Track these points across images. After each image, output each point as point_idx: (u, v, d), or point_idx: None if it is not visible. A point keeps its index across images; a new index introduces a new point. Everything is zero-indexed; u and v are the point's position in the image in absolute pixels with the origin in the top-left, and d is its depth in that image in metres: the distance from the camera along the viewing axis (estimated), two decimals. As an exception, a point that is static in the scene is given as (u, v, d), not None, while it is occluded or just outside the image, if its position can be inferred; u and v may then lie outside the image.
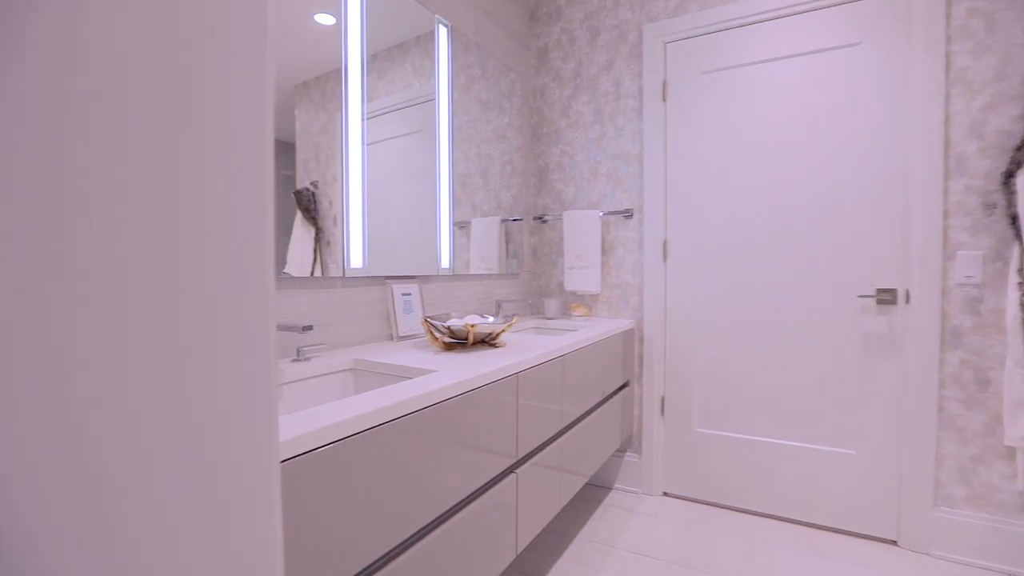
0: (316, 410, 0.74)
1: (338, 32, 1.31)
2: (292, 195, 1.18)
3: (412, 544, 0.86)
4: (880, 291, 1.67)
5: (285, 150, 1.15)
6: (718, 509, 1.96)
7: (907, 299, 1.65)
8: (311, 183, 1.23)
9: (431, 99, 1.67)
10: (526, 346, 1.39)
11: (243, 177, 0.32)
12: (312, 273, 1.23)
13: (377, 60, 1.43)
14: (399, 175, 1.54)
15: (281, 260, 1.15)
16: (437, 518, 0.92)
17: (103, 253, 0.27)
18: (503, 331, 1.40)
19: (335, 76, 1.30)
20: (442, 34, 1.71)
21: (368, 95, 1.40)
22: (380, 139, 1.45)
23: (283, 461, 0.62)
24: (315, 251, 1.24)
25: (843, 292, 1.75)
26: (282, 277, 1.16)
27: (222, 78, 0.31)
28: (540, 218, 2.31)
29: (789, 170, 1.83)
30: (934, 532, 1.62)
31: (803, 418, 1.83)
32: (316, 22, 1.25)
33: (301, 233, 1.21)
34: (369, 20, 1.40)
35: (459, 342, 1.37)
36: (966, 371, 1.58)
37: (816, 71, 1.77)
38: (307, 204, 1.22)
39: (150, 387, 0.28)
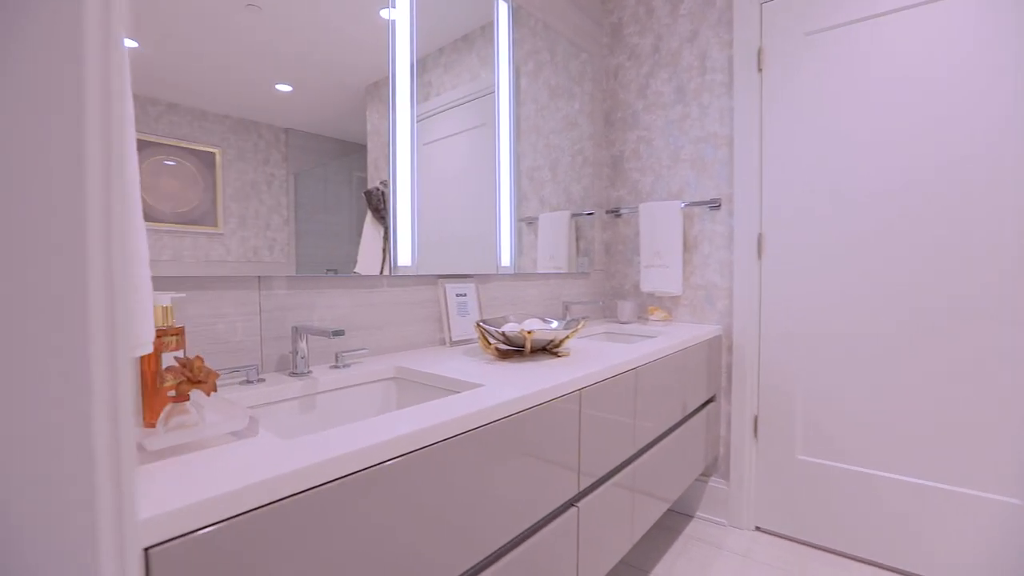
0: (319, 436, 0.62)
1: (400, 26, 1.23)
2: (363, 195, 1.17)
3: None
4: (1060, 296, 1.29)
5: (357, 151, 1.14)
6: (824, 553, 1.64)
7: (1102, 307, 1.25)
8: (381, 183, 1.22)
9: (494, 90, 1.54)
10: (594, 355, 1.21)
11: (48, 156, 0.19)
12: (381, 272, 1.21)
13: (444, 54, 1.37)
14: (465, 171, 1.46)
15: (352, 259, 1.14)
16: (471, 568, 0.77)
17: None
18: (567, 338, 1.23)
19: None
20: (502, 11, 1.56)
21: (436, 90, 1.34)
22: (446, 135, 1.39)
23: (268, 504, 0.50)
24: (384, 250, 1.22)
25: (1008, 291, 1.38)
26: (319, 276, 1.08)
27: None
28: (614, 211, 2.10)
29: (925, 143, 1.47)
30: None
31: (944, 452, 1.47)
32: (381, 17, 1.17)
33: (371, 233, 1.19)
34: (427, 11, 1.30)
35: (516, 349, 1.21)
36: None
37: (972, 16, 1.41)
38: (377, 204, 1.21)
39: None
